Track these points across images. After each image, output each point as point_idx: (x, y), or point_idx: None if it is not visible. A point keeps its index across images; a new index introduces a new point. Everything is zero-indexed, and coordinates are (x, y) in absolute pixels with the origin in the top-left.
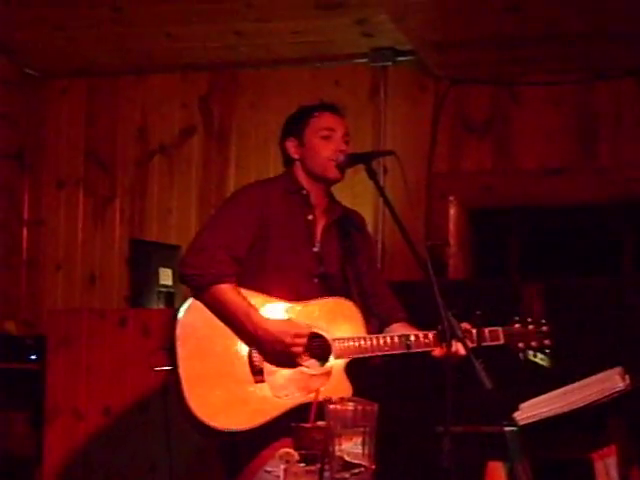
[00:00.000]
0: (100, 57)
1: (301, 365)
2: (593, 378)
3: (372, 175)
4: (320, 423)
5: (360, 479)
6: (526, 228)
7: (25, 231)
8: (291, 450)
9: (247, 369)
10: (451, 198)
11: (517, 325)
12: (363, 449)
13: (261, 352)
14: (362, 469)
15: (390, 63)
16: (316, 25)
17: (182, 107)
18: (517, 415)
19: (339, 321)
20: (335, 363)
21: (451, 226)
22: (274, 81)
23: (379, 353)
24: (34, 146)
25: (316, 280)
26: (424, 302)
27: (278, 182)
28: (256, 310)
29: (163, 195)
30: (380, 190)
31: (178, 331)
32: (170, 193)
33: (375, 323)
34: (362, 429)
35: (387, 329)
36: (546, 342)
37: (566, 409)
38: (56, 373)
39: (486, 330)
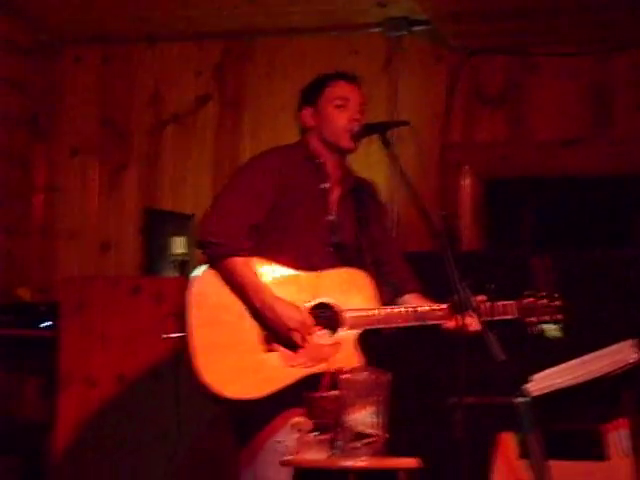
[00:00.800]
0: (115, 24)
1: (302, 347)
2: (606, 350)
3: (387, 145)
4: (333, 392)
5: (372, 448)
6: (540, 199)
7: (39, 198)
8: (304, 419)
9: (258, 338)
10: (465, 168)
11: (530, 299)
12: (376, 419)
13: (266, 328)
14: (374, 438)
15: (405, 33)
16: None
17: (196, 75)
18: (529, 387)
19: (352, 292)
20: (347, 334)
21: (465, 197)
22: (289, 50)
23: (391, 325)
24: (48, 113)
25: (331, 249)
26: (437, 273)
27: (294, 150)
28: (266, 288)
29: (177, 163)
30: (394, 160)
31: (190, 299)
32: (184, 162)
33: (388, 293)
34: (375, 399)
35: (400, 300)
36: (558, 317)
37: (578, 381)
38: (69, 340)
39: (499, 303)
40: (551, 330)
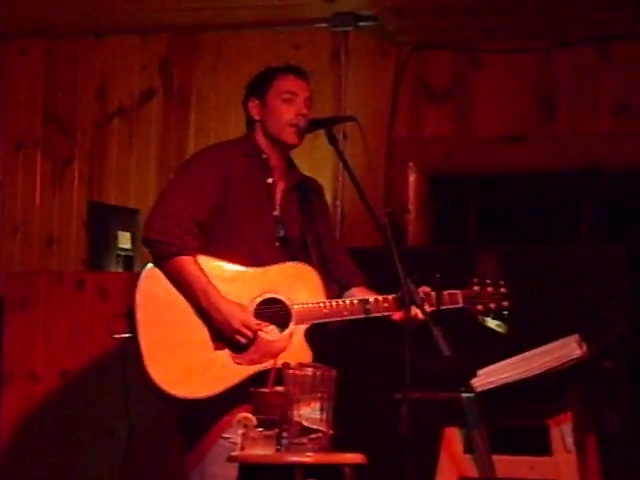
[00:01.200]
0: (58, 17)
1: (249, 345)
2: (550, 345)
3: (333, 140)
4: (279, 388)
5: (318, 444)
6: (485, 195)
7: None
8: (249, 415)
9: (207, 336)
10: (411, 164)
11: (475, 287)
12: (321, 414)
13: (213, 327)
14: (320, 434)
15: (351, 28)
16: None
17: (142, 69)
18: (474, 382)
19: (299, 286)
20: (295, 329)
21: (411, 193)
22: (235, 45)
23: (339, 318)
24: None
25: (277, 244)
26: (383, 268)
27: (238, 145)
28: (213, 287)
29: (122, 158)
30: (340, 155)
31: (137, 298)
32: (129, 156)
33: (334, 289)
34: (320, 394)
35: (346, 294)
36: (504, 304)
37: (523, 376)
38: (13, 336)
39: (445, 293)
40: (495, 322)
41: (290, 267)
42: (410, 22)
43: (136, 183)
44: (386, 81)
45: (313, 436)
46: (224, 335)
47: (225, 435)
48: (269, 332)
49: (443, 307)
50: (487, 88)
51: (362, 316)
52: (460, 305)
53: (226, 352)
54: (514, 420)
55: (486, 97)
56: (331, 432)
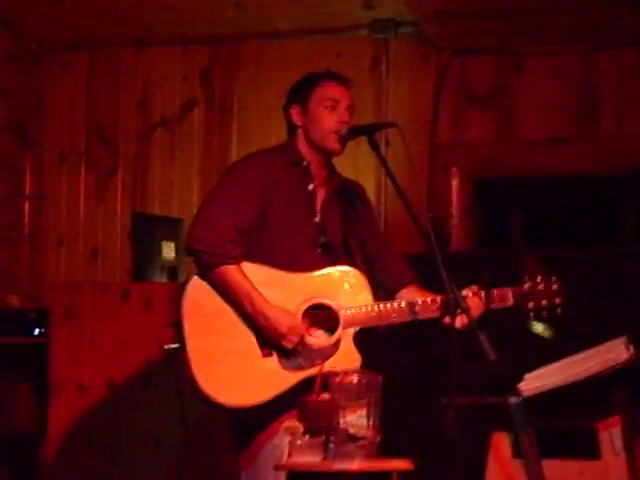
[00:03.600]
0: (100, 30)
1: (296, 350)
2: (597, 349)
3: (375, 147)
4: (325, 395)
5: (365, 451)
6: (529, 199)
7: (27, 205)
8: (296, 422)
9: (254, 343)
10: (454, 169)
11: (527, 285)
12: (367, 421)
13: (261, 334)
14: (367, 441)
15: (392, 35)
16: None
17: (183, 80)
18: (522, 386)
19: (345, 290)
20: (343, 333)
21: (454, 197)
22: (275, 54)
23: (387, 321)
24: (35, 120)
25: (319, 250)
26: (428, 274)
27: (279, 152)
28: (258, 293)
29: (165, 168)
30: (383, 162)
31: (184, 308)
32: (172, 166)
33: (384, 291)
34: (366, 400)
35: (398, 295)
36: (557, 301)
37: (570, 380)
38: (60, 347)
39: (494, 291)
40: (541, 327)
41: (336, 272)
42: (450, 27)
43: (179, 193)
44: (427, 87)
45: (360, 443)
46: (271, 341)
47: (275, 442)
48: (317, 337)
49: (493, 306)
50: (529, 91)
51: (410, 319)
52: (510, 303)
53: (274, 358)
54: (562, 424)
55: (528, 100)
56: (378, 438)
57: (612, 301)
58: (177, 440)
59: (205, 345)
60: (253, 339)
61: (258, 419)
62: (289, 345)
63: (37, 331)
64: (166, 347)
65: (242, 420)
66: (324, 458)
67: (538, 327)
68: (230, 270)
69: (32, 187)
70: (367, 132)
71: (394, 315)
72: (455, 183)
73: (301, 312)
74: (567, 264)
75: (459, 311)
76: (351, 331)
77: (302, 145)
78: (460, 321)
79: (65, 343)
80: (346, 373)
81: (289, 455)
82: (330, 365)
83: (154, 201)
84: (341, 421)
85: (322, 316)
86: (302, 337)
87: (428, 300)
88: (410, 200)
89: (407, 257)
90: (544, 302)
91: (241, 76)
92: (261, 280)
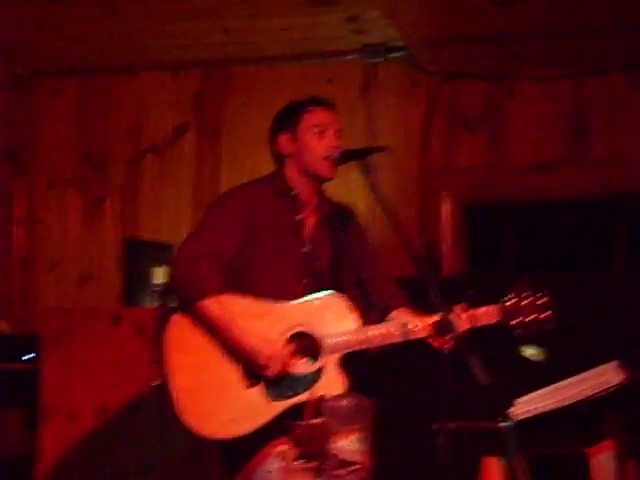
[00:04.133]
0: (92, 56)
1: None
2: (588, 373)
3: (366, 171)
4: (317, 420)
5: (357, 476)
6: (520, 224)
7: (18, 230)
8: (288, 447)
9: (240, 374)
10: (444, 194)
11: (513, 300)
12: (360, 446)
13: (244, 364)
14: (359, 466)
15: (382, 59)
16: (307, 22)
17: (174, 105)
18: (512, 410)
19: (328, 317)
20: (328, 359)
21: (444, 222)
22: (265, 78)
23: (370, 345)
24: (27, 145)
25: (305, 280)
26: (417, 298)
27: (265, 184)
28: (237, 325)
29: (155, 194)
30: (372, 186)
31: (167, 344)
32: (162, 192)
33: (374, 314)
34: (358, 425)
35: (389, 317)
36: (544, 315)
37: (562, 404)
38: (50, 372)
39: (481, 309)
40: (530, 350)
41: (319, 298)
42: (441, 52)
43: (169, 218)
44: (417, 111)
45: (352, 468)
46: (253, 368)
47: (266, 468)
48: (300, 365)
49: (478, 324)
50: (519, 116)
51: (401, 339)
52: (496, 319)
53: (259, 388)
54: (553, 449)
55: (519, 125)
56: (370, 463)
57: (601, 325)
58: (168, 467)
59: (189, 380)
60: (238, 370)
61: (249, 446)
62: (270, 374)
63: (27, 356)
64: (153, 384)
65: (233, 448)
66: None
67: (528, 351)
68: (209, 303)
69: (23, 212)
70: (358, 156)
71: (378, 339)
72: (445, 208)
73: (283, 341)
74: (557, 288)
75: (451, 335)
76: (336, 357)
77: (291, 173)
78: (448, 344)
79: (55, 369)
80: (338, 398)
81: None
82: (315, 392)
83: (145, 226)
84: (333, 446)
85: (306, 344)
86: (285, 366)
87: (418, 323)
88: (401, 224)
89: (398, 281)
90: (531, 317)
91: (232, 101)
92: (243, 311)
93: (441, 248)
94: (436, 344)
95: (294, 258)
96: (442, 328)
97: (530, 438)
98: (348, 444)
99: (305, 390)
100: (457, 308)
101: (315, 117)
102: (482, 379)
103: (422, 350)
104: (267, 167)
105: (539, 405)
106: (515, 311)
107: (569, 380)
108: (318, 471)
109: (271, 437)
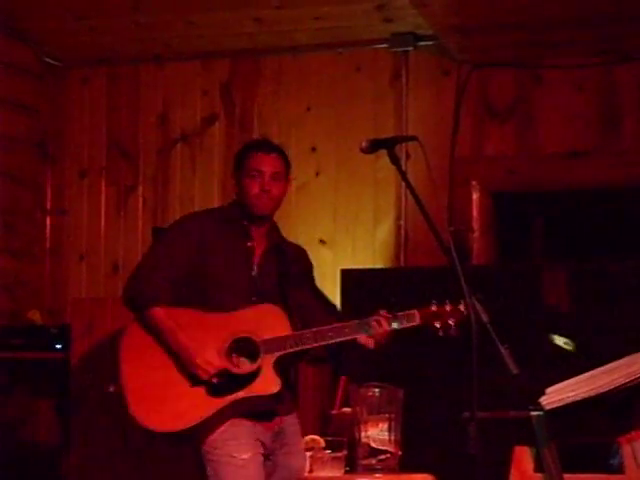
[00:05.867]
0: (121, 46)
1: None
2: (620, 362)
3: (395, 161)
4: (347, 410)
5: (386, 465)
6: (550, 212)
7: (48, 220)
8: (317, 437)
9: (185, 375)
10: (474, 183)
11: (433, 306)
12: (389, 435)
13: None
14: (388, 455)
15: (411, 48)
16: (336, 11)
17: (203, 95)
18: (543, 400)
19: (265, 323)
20: (265, 360)
21: (474, 211)
22: (295, 68)
23: (303, 347)
24: (56, 136)
25: (254, 298)
26: (448, 288)
27: (220, 212)
28: (180, 332)
29: (185, 183)
30: (402, 175)
31: (121, 352)
32: (192, 181)
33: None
34: (388, 415)
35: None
36: (457, 317)
37: (592, 393)
38: (81, 362)
39: (402, 313)
40: (563, 340)
41: (256, 308)
42: (470, 40)
43: (199, 207)
44: (447, 100)
45: (381, 457)
46: (190, 369)
47: (234, 454)
48: (240, 365)
49: (403, 326)
50: (549, 104)
51: (329, 341)
52: (418, 323)
53: (204, 387)
54: (585, 438)
55: (549, 113)
56: (399, 452)
57: (632, 314)
58: None
59: (140, 381)
60: (184, 372)
61: (197, 435)
62: (204, 376)
63: (59, 346)
64: (111, 389)
65: (182, 439)
66: (346, 472)
67: (559, 340)
68: (157, 312)
69: (53, 202)
70: (387, 145)
71: (310, 341)
72: (475, 197)
73: (223, 347)
74: (588, 277)
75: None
76: (272, 357)
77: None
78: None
79: (86, 358)
80: (367, 387)
81: (310, 470)
82: (251, 390)
83: (174, 216)
84: (363, 435)
85: (245, 347)
86: (225, 367)
87: (341, 325)
88: (430, 214)
89: (427, 271)
90: (450, 321)
91: (261, 90)
92: (186, 322)
93: (471, 237)
94: (364, 342)
95: (243, 280)
96: (469, 319)
97: (561, 427)
98: (378, 433)
99: (243, 388)
100: (381, 313)
101: (252, 162)
102: (512, 368)
103: (452, 340)
104: (296, 155)
105: (570, 394)
106: (434, 315)
107: (600, 369)
108: (347, 460)
109: (215, 428)
